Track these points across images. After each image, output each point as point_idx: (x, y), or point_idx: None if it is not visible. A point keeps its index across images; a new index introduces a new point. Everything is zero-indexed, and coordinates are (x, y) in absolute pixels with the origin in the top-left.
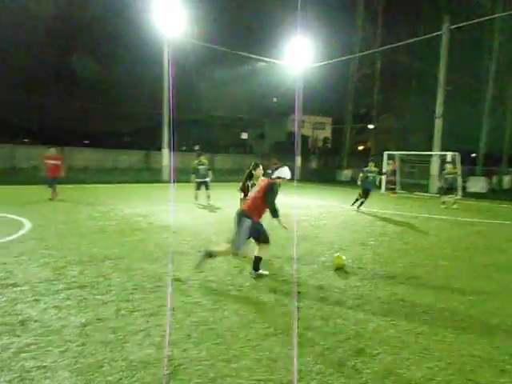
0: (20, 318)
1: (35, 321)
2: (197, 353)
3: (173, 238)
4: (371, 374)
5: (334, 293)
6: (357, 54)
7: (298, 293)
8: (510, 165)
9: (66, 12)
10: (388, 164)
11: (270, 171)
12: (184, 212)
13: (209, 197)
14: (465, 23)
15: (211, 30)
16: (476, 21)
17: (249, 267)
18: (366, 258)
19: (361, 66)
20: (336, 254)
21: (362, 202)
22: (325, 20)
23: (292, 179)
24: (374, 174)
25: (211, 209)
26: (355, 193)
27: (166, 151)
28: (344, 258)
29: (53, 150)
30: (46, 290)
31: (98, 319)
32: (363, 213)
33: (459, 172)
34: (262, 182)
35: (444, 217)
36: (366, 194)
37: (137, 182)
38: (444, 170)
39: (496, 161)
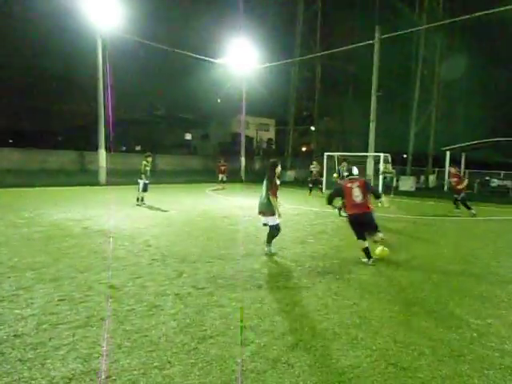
0: None
1: None
2: (128, 362)
3: (108, 243)
4: (304, 367)
5: (273, 291)
6: (296, 58)
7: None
8: (434, 165)
9: None
10: (313, 165)
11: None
12: (122, 215)
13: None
14: (393, 34)
15: (153, 26)
16: (402, 32)
17: (187, 270)
18: (305, 256)
19: (302, 69)
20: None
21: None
22: (267, 23)
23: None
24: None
25: (151, 211)
26: (299, 193)
27: (102, 152)
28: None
29: None
30: None
31: (16, 335)
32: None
33: (393, 171)
34: (358, 182)
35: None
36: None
37: (70, 184)
38: (378, 169)
39: (423, 161)
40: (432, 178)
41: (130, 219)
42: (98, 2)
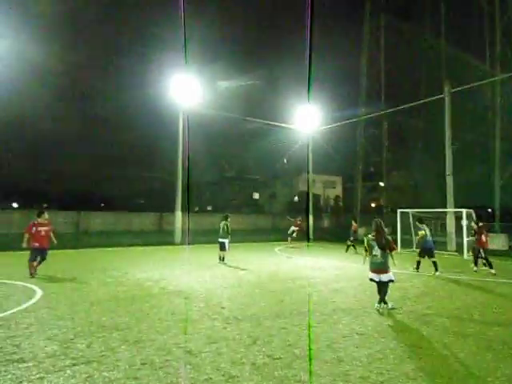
0: None
1: None
2: None
3: (184, 304)
4: None
5: (356, 366)
6: (361, 117)
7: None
8: None
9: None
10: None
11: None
12: (196, 275)
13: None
14: (465, 86)
15: (227, 97)
16: (474, 84)
17: (262, 336)
18: (387, 326)
19: (367, 125)
20: None
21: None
22: (331, 85)
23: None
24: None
25: (225, 271)
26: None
27: (179, 213)
28: None
29: (45, 215)
30: (52, 366)
31: None
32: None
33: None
34: None
35: (470, 277)
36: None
37: (149, 244)
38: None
39: None
40: None
41: (202, 279)
42: (180, 83)
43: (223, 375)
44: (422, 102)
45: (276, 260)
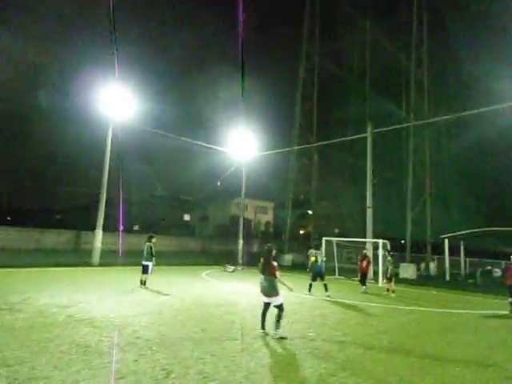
0: None
1: None
2: None
3: (93, 334)
4: None
5: None
6: (294, 147)
7: None
8: (433, 252)
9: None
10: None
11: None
12: (112, 301)
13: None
14: (384, 129)
15: (158, 114)
16: (392, 127)
17: (177, 369)
18: (304, 353)
19: (299, 156)
20: None
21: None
22: (268, 112)
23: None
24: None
25: (147, 296)
26: (297, 278)
27: (99, 232)
28: None
29: None
30: None
31: None
32: (303, 298)
33: (390, 258)
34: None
35: (383, 305)
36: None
37: (63, 265)
38: (387, 257)
39: (421, 248)
40: (433, 265)
41: (119, 305)
42: (109, 96)
43: None
44: (347, 138)
45: (202, 285)
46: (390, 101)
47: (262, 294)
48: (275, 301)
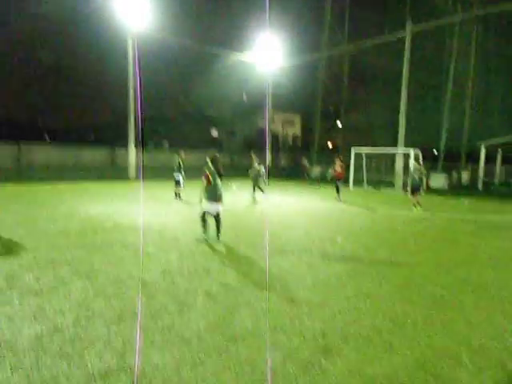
0: None
1: None
2: (161, 359)
3: (138, 238)
4: (337, 374)
5: (303, 292)
6: (323, 54)
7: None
8: (467, 161)
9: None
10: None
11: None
12: (152, 211)
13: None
14: (425, 24)
15: (177, 24)
16: (435, 23)
17: (216, 267)
18: (335, 255)
19: (329, 64)
20: None
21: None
22: (293, 18)
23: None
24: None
25: (181, 207)
26: (328, 189)
27: (132, 148)
28: None
29: None
30: None
31: (55, 329)
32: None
33: (423, 169)
34: None
35: (407, 212)
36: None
37: (102, 179)
38: (411, 167)
39: (456, 157)
40: (465, 175)
41: (157, 214)
42: (129, 2)
43: (177, 303)
44: (382, 40)
45: (232, 196)
46: None
47: (213, 203)
48: (220, 208)
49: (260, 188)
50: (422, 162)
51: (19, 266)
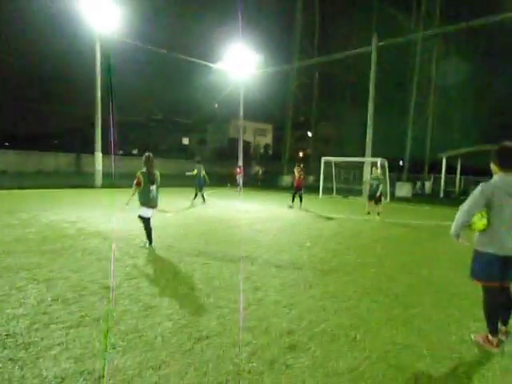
0: None
1: None
2: (122, 362)
3: (103, 244)
4: (302, 369)
5: (270, 293)
6: (294, 64)
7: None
8: (430, 171)
9: None
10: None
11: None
12: (117, 218)
13: None
14: (390, 40)
15: (152, 30)
16: (399, 39)
17: (184, 271)
18: (303, 259)
19: (300, 75)
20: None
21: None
22: (266, 30)
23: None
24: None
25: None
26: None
27: (99, 154)
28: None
29: None
30: None
31: (7, 335)
32: (300, 215)
33: (383, 177)
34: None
35: (371, 218)
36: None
37: (66, 187)
38: (371, 174)
39: (420, 168)
40: (428, 184)
41: (125, 221)
42: (97, 4)
43: (141, 306)
44: (351, 52)
45: (204, 205)
46: (399, 11)
47: (149, 208)
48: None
49: (202, 196)
50: (380, 171)
51: None
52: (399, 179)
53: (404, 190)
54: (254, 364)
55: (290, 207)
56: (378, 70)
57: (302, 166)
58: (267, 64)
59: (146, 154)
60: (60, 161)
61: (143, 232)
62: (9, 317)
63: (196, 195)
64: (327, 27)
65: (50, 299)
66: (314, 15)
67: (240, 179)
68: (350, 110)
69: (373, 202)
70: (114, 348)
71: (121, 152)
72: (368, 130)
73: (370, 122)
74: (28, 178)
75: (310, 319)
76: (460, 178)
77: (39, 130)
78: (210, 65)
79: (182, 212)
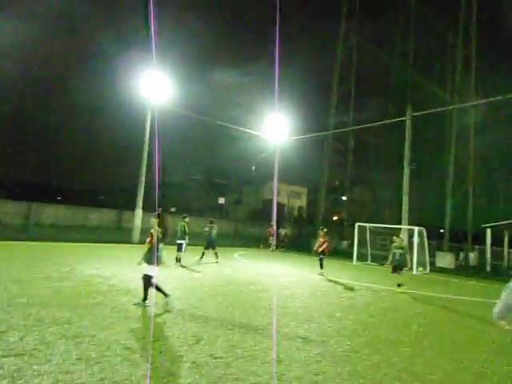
0: None
1: None
2: None
3: (132, 302)
4: None
5: (292, 366)
6: (330, 132)
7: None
8: (474, 242)
9: (49, 71)
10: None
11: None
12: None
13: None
14: (424, 112)
15: (193, 99)
16: (433, 110)
17: (206, 337)
18: (330, 331)
19: (335, 141)
20: None
21: None
22: (302, 97)
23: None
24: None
25: (180, 272)
26: (330, 262)
27: (139, 211)
28: None
29: None
30: None
31: None
32: (331, 281)
33: (405, 245)
34: None
35: (411, 291)
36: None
37: (105, 242)
38: (393, 242)
39: (461, 237)
40: (473, 255)
41: (155, 279)
42: (149, 80)
43: (162, 372)
44: (385, 122)
45: (234, 264)
46: (434, 83)
47: (157, 266)
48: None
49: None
50: (403, 238)
51: (7, 324)
52: (439, 248)
53: (446, 260)
54: None
55: (321, 274)
56: (413, 137)
57: (325, 230)
58: (303, 130)
59: (160, 211)
60: (104, 216)
61: (172, 293)
62: (34, 373)
63: (203, 254)
64: (362, 97)
65: (74, 357)
66: (349, 86)
67: (274, 240)
68: (385, 175)
69: (394, 272)
70: None
71: (160, 210)
72: (404, 197)
73: (405, 189)
74: (74, 232)
75: None
76: (508, 252)
77: (88, 186)
78: (248, 131)
79: (211, 272)
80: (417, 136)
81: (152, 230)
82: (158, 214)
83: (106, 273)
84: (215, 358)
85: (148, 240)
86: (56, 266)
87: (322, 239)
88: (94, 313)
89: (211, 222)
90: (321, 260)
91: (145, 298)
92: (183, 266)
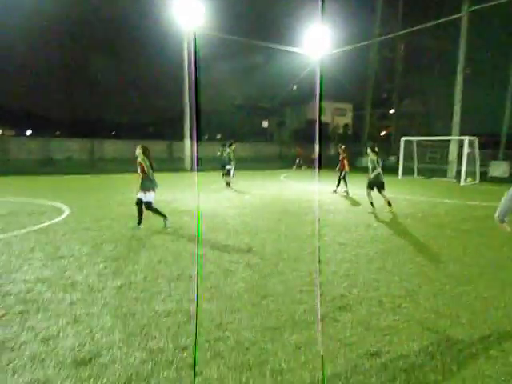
0: (70, 281)
1: (81, 283)
2: (208, 307)
3: (193, 221)
4: (347, 323)
5: (330, 264)
6: (375, 39)
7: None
8: None
9: (85, 12)
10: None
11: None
12: (205, 198)
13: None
14: (483, 5)
15: (228, 20)
16: (493, 3)
17: (257, 245)
18: (367, 237)
19: (381, 49)
20: None
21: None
22: (343, 3)
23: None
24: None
25: (230, 195)
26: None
27: (188, 141)
28: None
29: None
30: (87, 261)
31: (130, 283)
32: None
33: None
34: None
35: (457, 201)
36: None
37: (161, 171)
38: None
39: None
40: None
41: (210, 201)
42: (183, 5)
43: (222, 270)
44: (438, 21)
45: (280, 185)
46: None
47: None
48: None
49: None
50: (476, 150)
51: (102, 239)
52: (495, 158)
53: (500, 169)
54: (307, 317)
55: (346, 192)
56: (473, 34)
57: (343, 146)
58: (346, 40)
59: (143, 145)
60: (155, 148)
61: (225, 211)
62: (129, 270)
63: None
64: None
65: (156, 260)
66: None
67: (298, 160)
68: (438, 83)
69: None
70: (201, 297)
71: (206, 137)
72: (455, 107)
73: (457, 98)
74: (132, 164)
75: (362, 288)
76: None
77: (137, 120)
78: (288, 48)
79: (258, 193)
80: (476, 33)
81: (139, 159)
82: (146, 148)
83: (168, 198)
84: (264, 260)
85: (140, 170)
86: (126, 193)
87: (341, 156)
88: (163, 230)
89: (223, 146)
90: (343, 178)
91: (165, 217)
92: (232, 189)
